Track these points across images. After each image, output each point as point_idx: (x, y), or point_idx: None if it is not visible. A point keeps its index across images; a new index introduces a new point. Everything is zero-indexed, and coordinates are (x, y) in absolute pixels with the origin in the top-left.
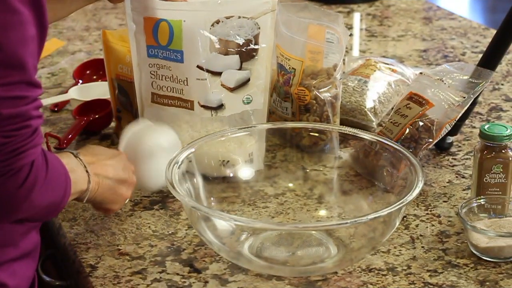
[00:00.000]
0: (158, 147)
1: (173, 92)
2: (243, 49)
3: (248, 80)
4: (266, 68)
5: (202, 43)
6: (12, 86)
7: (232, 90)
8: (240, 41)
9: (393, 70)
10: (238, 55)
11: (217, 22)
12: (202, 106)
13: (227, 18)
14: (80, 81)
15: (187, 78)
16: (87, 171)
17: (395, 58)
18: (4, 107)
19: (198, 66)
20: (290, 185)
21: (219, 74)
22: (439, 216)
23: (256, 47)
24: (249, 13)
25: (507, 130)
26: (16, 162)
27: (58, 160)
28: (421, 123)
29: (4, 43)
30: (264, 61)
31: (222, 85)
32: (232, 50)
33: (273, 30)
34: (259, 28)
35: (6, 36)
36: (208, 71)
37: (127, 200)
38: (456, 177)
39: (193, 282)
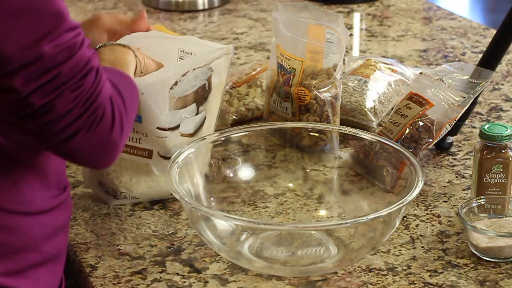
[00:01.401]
0: None
1: (128, 141)
2: (199, 96)
3: (205, 118)
4: (217, 98)
5: (160, 107)
6: (60, 37)
7: (192, 135)
8: (196, 90)
9: (393, 70)
10: (195, 103)
11: (175, 83)
12: (162, 156)
13: (183, 75)
14: None
15: (146, 133)
16: (129, 48)
17: (395, 58)
18: (63, 63)
19: (158, 127)
20: (290, 185)
21: (178, 126)
22: (439, 216)
23: (209, 89)
24: (203, 62)
25: (507, 130)
26: (98, 107)
27: (116, 71)
28: (421, 123)
29: (37, 2)
30: (216, 93)
31: (181, 134)
32: (189, 101)
33: (227, 67)
34: (212, 70)
35: None
36: (168, 129)
37: None
38: (456, 177)
39: (193, 282)
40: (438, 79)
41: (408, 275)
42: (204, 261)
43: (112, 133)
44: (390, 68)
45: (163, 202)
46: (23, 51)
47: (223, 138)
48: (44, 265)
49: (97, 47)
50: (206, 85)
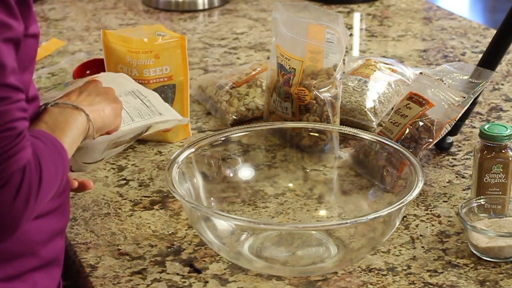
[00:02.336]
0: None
1: None
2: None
3: None
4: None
5: (92, 157)
6: None
7: None
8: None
9: (393, 70)
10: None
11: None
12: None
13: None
14: None
15: None
16: (83, 111)
17: (395, 58)
18: None
19: (83, 162)
20: (290, 185)
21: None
22: (439, 216)
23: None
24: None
25: (507, 130)
26: (5, 169)
27: (49, 142)
28: (421, 123)
29: None
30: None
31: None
32: (123, 143)
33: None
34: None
35: None
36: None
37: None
38: (456, 177)
39: (193, 282)
40: (438, 79)
41: (408, 275)
42: (204, 261)
43: (13, 206)
44: (390, 68)
45: (163, 202)
46: None
47: (223, 138)
48: (42, 269)
49: (49, 104)
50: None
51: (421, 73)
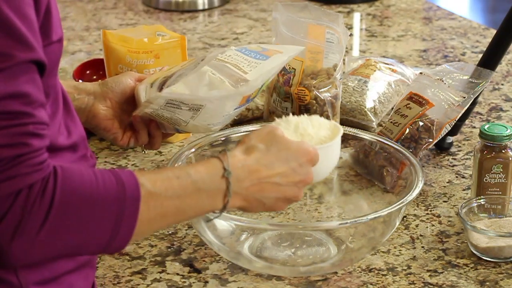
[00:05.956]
0: None
1: None
2: None
3: None
4: None
5: None
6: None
7: None
8: None
9: (393, 70)
10: None
11: None
12: None
13: None
14: (80, 81)
15: None
16: (227, 188)
17: (395, 58)
18: None
19: None
20: None
21: None
22: (439, 216)
23: None
24: None
25: (507, 130)
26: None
27: (107, 183)
28: (421, 123)
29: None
30: None
31: None
32: None
33: None
34: None
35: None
36: None
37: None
38: (456, 177)
39: (193, 282)
40: (438, 79)
41: (408, 275)
42: (204, 261)
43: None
44: (390, 68)
45: None
46: None
47: (223, 138)
48: (77, 271)
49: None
50: None
51: (421, 73)
